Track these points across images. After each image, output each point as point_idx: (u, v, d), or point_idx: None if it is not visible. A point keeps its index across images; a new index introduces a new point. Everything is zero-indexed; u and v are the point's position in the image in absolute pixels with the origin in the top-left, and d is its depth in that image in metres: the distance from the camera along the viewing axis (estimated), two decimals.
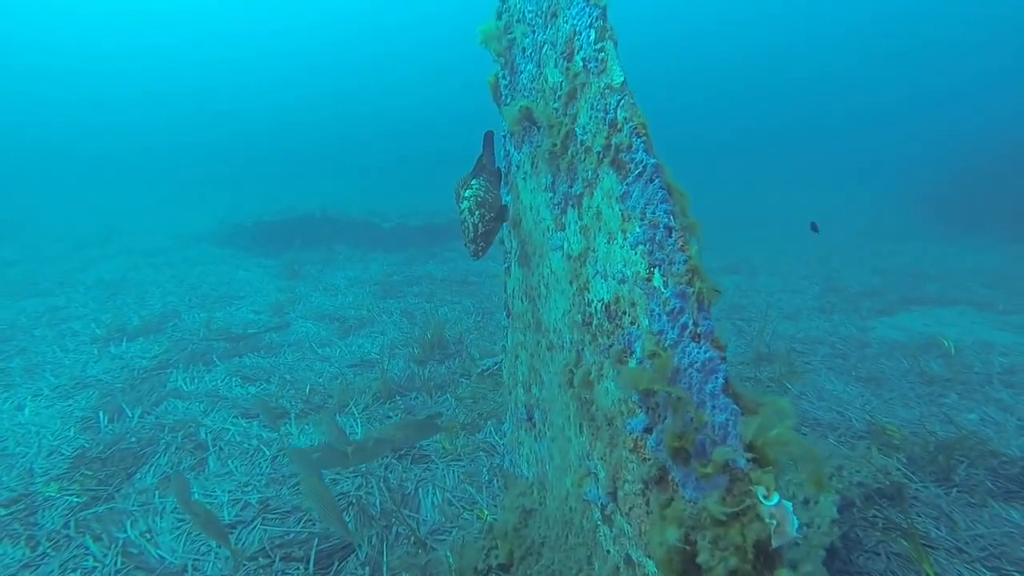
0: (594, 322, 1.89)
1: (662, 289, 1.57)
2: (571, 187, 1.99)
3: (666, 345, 1.53)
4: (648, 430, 1.62)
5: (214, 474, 4.08)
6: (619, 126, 1.73)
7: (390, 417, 5.12)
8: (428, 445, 4.65)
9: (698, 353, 1.45)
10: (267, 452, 4.33)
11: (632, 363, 1.68)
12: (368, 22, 62.09)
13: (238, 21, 60.75)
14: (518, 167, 2.59)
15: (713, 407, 1.41)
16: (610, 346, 1.79)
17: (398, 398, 5.46)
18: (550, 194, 2.17)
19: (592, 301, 1.90)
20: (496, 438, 4.72)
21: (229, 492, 3.85)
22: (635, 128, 1.68)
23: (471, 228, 2.33)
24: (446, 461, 4.42)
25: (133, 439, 4.53)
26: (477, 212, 2.34)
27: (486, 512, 3.57)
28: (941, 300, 8.60)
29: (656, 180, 1.62)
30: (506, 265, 2.85)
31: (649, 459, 1.60)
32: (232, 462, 4.23)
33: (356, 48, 63.62)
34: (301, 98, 63.15)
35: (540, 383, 2.36)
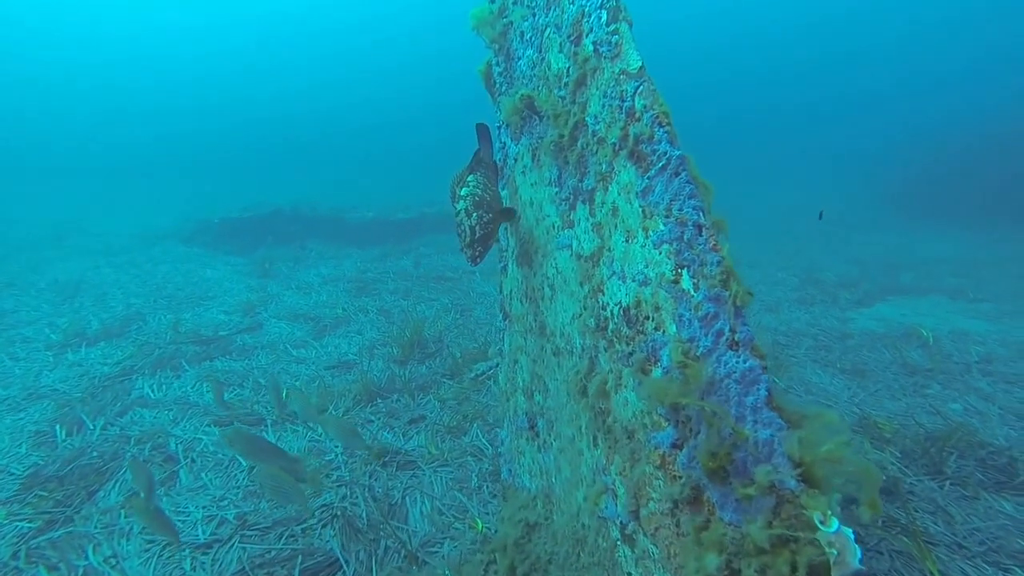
0: (610, 327, 1.75)
1: (692, 292, 1.44)
2: (581, 181, 1.84)
3: (698, 354, 1.40)
4: (677, 445, 1.49)
5: (187, 488, 3.83)
6: (638, 115, 1.59)
7: (372, 421, 4.92)
8: (413, 450, 4.48)
9: (737, 363, 1.32)
10: (243, 463, 4.09)
11: (657, 372, 1.55)
12: (340, 14, 60.50)
13: (203, 14, 58.43)
14: (516, 160, 2.43)
15: (755, 422, 1.29)
16: (630, 353, 1.65)
17: (379, 401, 5.26)
18: (555, 189, 2.02)
19: (608, 304, 1.75)
20: (484, 441, 4.58)
21: (203, 508, 3.61)
22: (656, 117, 1.54)
23: (467, 231, 2.12)
24: (433, 467, 4.26)
25: (95, 453, 4.23)
26: (475, 214, 2.13)
27: (479, 522, 3.42)
28: (915, 290, 8.78)
29: (682, 173, 1.48)
30: (502, 264, 2.70)
31: (680, 477, 1.47)
32: (206, 475, 3.98)
33: (327, 41, 61.96)
34: (270, 92, 61.36)
35: (544, 390, 2.22)
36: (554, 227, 2.07)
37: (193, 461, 4.13)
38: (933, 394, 4.95)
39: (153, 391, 5.27)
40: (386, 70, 62.93)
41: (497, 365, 3.45)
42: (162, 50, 58.12)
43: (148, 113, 56.26)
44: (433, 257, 11.43)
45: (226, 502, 3.66)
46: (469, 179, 2.26)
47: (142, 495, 2.95)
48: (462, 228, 2.15)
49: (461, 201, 2.19)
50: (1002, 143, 16.17)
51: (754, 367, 1.30)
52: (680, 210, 1.47)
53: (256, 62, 60.78)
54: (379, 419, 4.90)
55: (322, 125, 57.94)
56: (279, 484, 3.07)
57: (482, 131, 2.51)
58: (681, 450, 1.48)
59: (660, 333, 1.54)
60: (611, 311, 1.74)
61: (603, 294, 1.78)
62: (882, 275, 9.88)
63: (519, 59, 2.24)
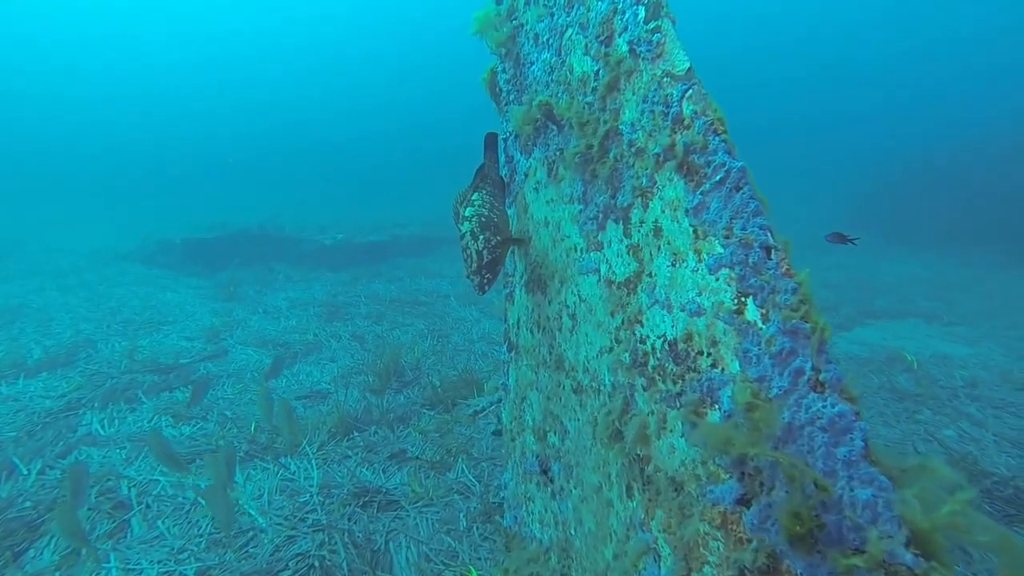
0: (651, 363, 1.54)
1: (760, 324, 1.24)
2: (614, 198, 1.65)
3: (771, 396, 1.20)
4: (743, 502, 1.27)
5: (139, 540, 3.41)
6: (687, 122, 1.40)
7: (348, 456, 4.57)
8: (395, 489, 4.15)
9: (823, 407, 1.12)
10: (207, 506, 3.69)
11: (714, 416, 1.34)
12: (311, 28, 59.63)
13: (166, 25, 56.56)
14: (526, 175, 2.23)
15: (850, 478, 1.08)
16: (679, 394, 1.44)
17: (356, 434, 4.92)
18: (579, 206, 1.82)
19: (648, 337, 1.54)
20: (470, 478, 4.29)
21: (159, 563, 3.20)
22: (710, 124, 1.36)
23: (474, 256, 1.92)
24: (417, 507, 3.94)
25: (27, 503, 3.73)
26: (481, 236, 1.93)
27: (473, 570, 3.13)
28: (892, 313, 8.90)
29: (744, 187, 1.30)
30: (508, 291, 2.47)
31: (748, 540, 1.25)
32: (163, 522, 3.56)
33: (295, 55, 60.85)
34: (238, 107, 59.45)
35: (561, 432, 1.98)
36: (576, 249, 1.87)
37: (148, 507, 3.70)
38: (925, 420, 4.90)
39: (103, 427, 4.78)
40: (358, 85, 61.98)
41: (499, 401, 3.19)
42: (123, 60, 55.79)
43: (108, 126, 53.95)
44: (406, 280, 11.12)
45: (186, 554, 3.26)
46: (473, 198, 2.06)
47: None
48: (468, 252, 1.93)
49: (466, 222, 1.98)
50: (964, 166, 16.81)
51: (845, 413, 1.10)
52: (743, 229, 1.28)
53: (224, 77, 59.10)
54: (357, 454, 4.56)
55: (289, 142, 56.73)
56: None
57: (490, 143, 2.31)
58: (749, 508, 1.26)
59: (719, 371, 1.33)
60: (652, 345, 1.53)
61: (641, 325, 1.57)
62: (859, 299, 10.02)
63: (532, 64, 2.06)
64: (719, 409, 1.33)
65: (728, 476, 1.30)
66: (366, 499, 3.93)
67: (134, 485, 3.90)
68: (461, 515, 3.84)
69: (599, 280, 1.74)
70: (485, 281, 1.90)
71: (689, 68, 1.42)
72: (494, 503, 3.97)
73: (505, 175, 2.46)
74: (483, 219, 1.99)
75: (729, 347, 1.30)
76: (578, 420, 1.90)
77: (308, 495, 3.93)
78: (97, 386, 5.58)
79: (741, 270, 1.28)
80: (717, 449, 1.27)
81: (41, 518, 3.56)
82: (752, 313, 1.26)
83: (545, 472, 2.16)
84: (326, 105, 61.34)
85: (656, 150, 1.48)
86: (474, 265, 1.91)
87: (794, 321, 1.17)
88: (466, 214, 2.00)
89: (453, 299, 9.64)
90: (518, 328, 2.37)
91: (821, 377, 1.14)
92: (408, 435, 4.96)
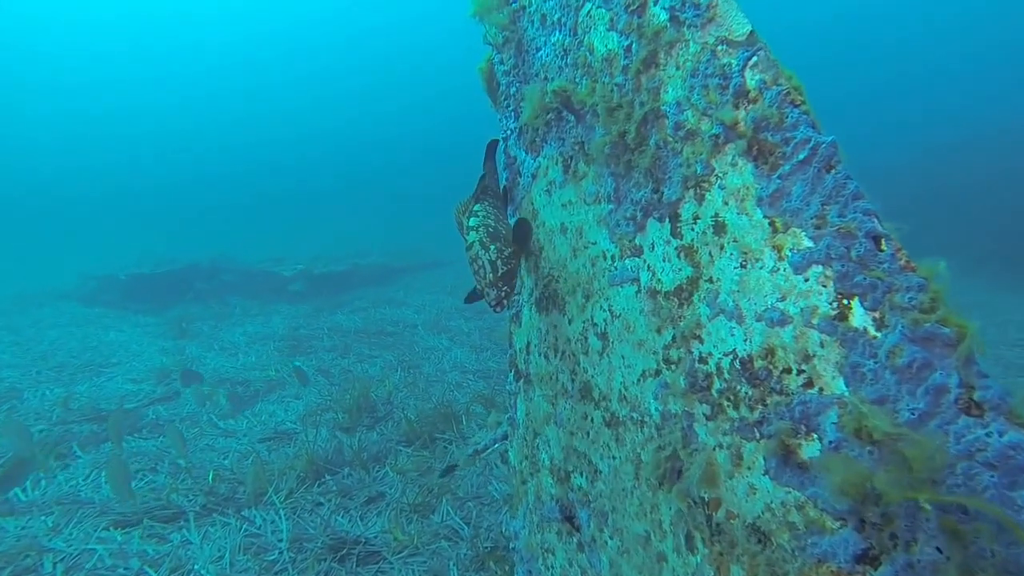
0: (716, 386, 1.28)
1: (873, 331, 1.00)
2: (656, 192, 1.40)
3: (901, 421, 0.95)
4: (867, 559, 1.00)
5: None
6: (752, 95, 1.18)
7: (321, 503, 4.13)
8: (376, 537, 3.74)
9: (986, 436, 0.88)
10: None
11: (812, 448, 1.08)
12: (254, 50, 57.17)
13: (100, 40, 52.28)
14: (534, 176, 1.97)
15: None
16: (758, 422, 1.18)
17: (328, 477, 4.49)
18: (609, 206, 1.56)
19: (711, 355, 1.28)
20: (457, 520, 3.91)
21: None
22: (785, 95, 1.13)
23: (487, 267, 1.70)
24: (401, 557, 3.55)
25: None
26: (492, 246, 1.73)
27: None
28: None
29: (838, 166, 1.07)
30: (513, 311, 2.19)
31: None
32: None
33: (243, 73, 57.99)
34: (183, 131, 55.81)
35: (591, 472, 1.69)
36: (605, 257, 1.60)
37: None
38: None
39: (26, 490, 4.14)
40: (310, 105, 59.77)
41: (504, 437, 2.86)
42: (56, 77, 51.45)
43: (40, 151, 49.73)
44: (371, 311, 10.67)
45: None
46: (475, 208, 1.87)
47: None
48: (480, 263, 1.69)
49: (472, 232, 1.76)
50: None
51: (1019, 442, 0.85)
52: (840, 217, 1.05)
53: (160, 99, 54.75)
54: (330, 500, 4.13)
55: (235, 171, 54.28)
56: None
57: (490, 150, 2.09)
58: (875, 566, 0.99)
59: (815, 392, 1.08)
60: (717, 364, 1.27)
61: (700, 342, 1.31)
62: None
63: (538, 49, 1.82)
64: (820, 438, 1.07)
65: (839, 525, 1.04)
66: (343, 552, 3.52)
67: (61, 560, 3.33)
68: (451, 564, 3.48)
69: (639, 291, 1.48)
70: (503, 294, 1.65)
71: (750, 32, 1.20)
72: (486, 548, 3.61)
73: (506, 180, 2.21)
74: (490, 229, 1.77)
75: (829, 361, 1.06)
76: (614, 458, 1.61)
77: (277, 552, 3.48)
78: None
79: (841, 266, 1.04)
80: (851, 493, 1.00)
81: None
82: (860, 318, 1.02)
83: (569, 519, 1.85)
84: (271, 131, 58.80)
85: (714, 131, 1.25)
86: (489, 277, 1.67)
87: (927, 326, 0.93)
88: (471, 224, 1.77)
89: (421, 328, 9.29)
90: (527, 353, 2.08)
91: (976, 396, 0.89)
92: (385, 476, 4.57)
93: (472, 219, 1.79)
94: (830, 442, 1.05)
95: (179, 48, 53.27)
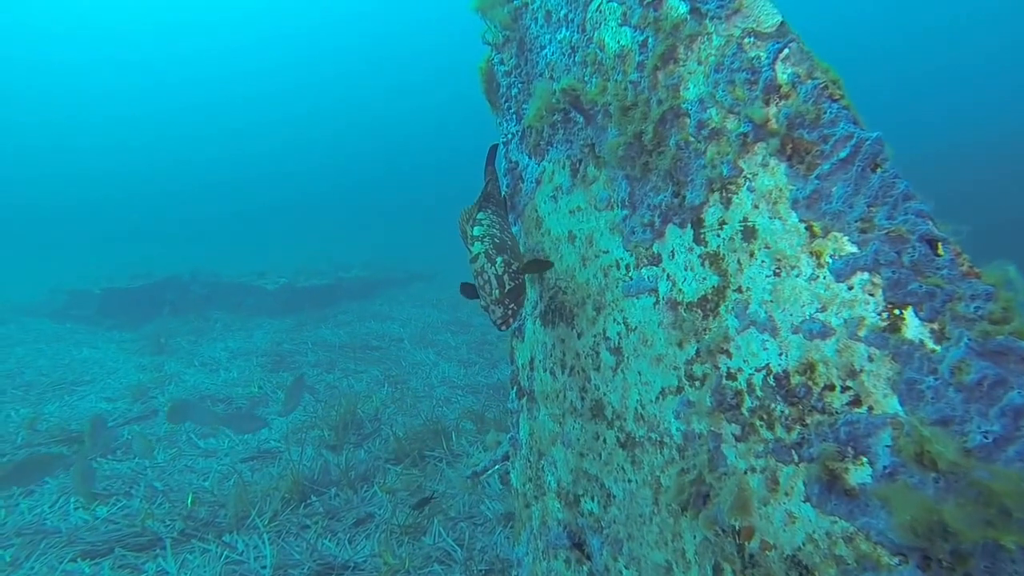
0: (747, 404, 1.18)
1: (931, 344, 0.91)
2: (677, 196, 1.31)
3: (971, 445, 0.86)
4: None
5: None
6: (785, 90, 1.10)
7: (307, 526, 3.94)
8: (365, 562, 3.57)
9: None
10: None
11: (862, 473, 0.98)
12: (227, 58, 56.08)
13: (70, 51, 51.04)
14: (538, 182, 1.87)
15: None
16: (797, 444, 1.08)
17: (314, 498, 4.30)
18: (623, 212, 1.47)
19: (740, 371, 1.19)
20: (450, 542, 3.76)
21: None
22: (822, 89, 1.05)
23: (493, 281, 1.57)
24: None
25: None
26: (499, 258, 1.60)
27: None
28: None
29: (884, 164, 0.98)
30: (515, 325, 2.07)
31: None
32: None
33: (227, 86, 56.91)
34: (160, 143, 54.17)
35: (603, 496, 1.58)
36: (619, 266, 1.51)
37: None
38: None
39: None
40: (291, 117, 58.56)
41: (504, 458, 2.73)
42: (24, 87, 49.95)
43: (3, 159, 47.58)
44: (355, 325, 10.48)
45: None
46: (479, 217, 1.75)
47: None
48: (486, 277, 1.57)
49: (477, 243, 1.65)
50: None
51: None
52: (889, 219, 0.96)
53: (145, 110, 53.31)
54: (316, 523, 3.95)
55: (224, 178, 53.12)
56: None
57: (491, 155, 1.98)
58: None
59: (864, 411, 0.99)
60: (748, 381, 1.18)
61: (729, 356, 1.21)
62: None
63: (543, 48, 1.73)
64: (871, 463, 0.97)
65: (898, 561, 0.94)
66: None
67: None
68: None
69: (657, 302, 1.38)
70: (510, 313, 1.53)
71: (780, 23, 1.13)
72: (481, 572, 3.47)
73: (506, 186, 2.10)
74: (496, 240, 1.67)
75: (880, 377, 0.96)
76: (629, 482, 1.50)
77: None
78: None
79: (892, 273, 0.95)
80: (915, 527, 0.90)
81: None
82: (915, 330, 0.93)
83: (579, 546, 1.73)
84: (252, 144, 57.73)
85: (741, 129, 1.16)
86: (495, 293, 1.55)
87: (1000, 339, 0.85)
88: (475, 233, 1.67)
89: (407, 342, 9.13)
90: (531, 370, 1.97)
91: None
92: (374, 496, 4.40)
93: (476, 228, 1.69)
94: (884, 467, 0.96)
95: (155, 59, 52.38)
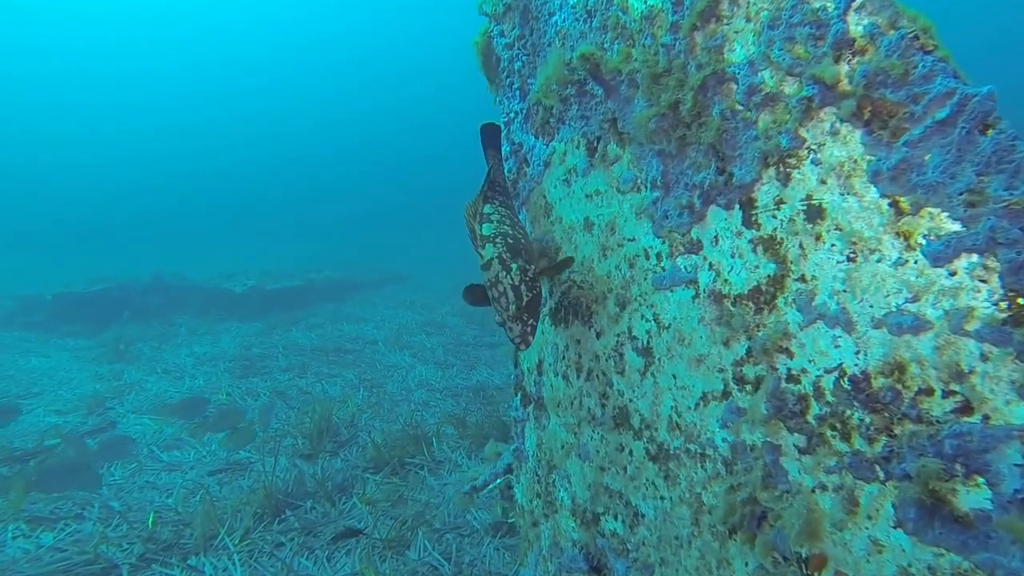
0: (813, 411, 1.01)
1: None
2: (722, 173, 1.14)
3: None
4: None
5: None
6: (860, 44, 0.93)
7: (282, 544, 3.68)
8: None
9: None
10: None
11: (977, 497, 0.82)
12: (210, 54, 54.34)
13: (38, 59, 49.25)
14: (547, 165, 1.67)
15: None
16: (884, 458, 0.92)
17: (288, 513, 4.04)
18: (653, 194, 1.29)
19: (805, 372, 1.02)
20: (436, 556, 3.55)
21: None
22: (911, 39, 0.89)
23: (510, 294, 1.34)
24: None
25: None
26: (514, 264, 1.37)
27: None
28: None
29: (998, 124, 0.83)
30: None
31: None
32: None
33: (191, 80, 54.77)
34: (117, 136, 51.85)
35: (630, 515, 1.40)
36: (648, 255, 1.33)
37: None
38: None
39: None
40: (257, 113, 56.89)
41: (508, 471, 2.52)
42: None
43: None
44: (328, 327, 10.18)
45: None
46: (488, 212, 1.51)
47: None
48: (501, 288, 1.35)
49: (489, 245, 1.42)
50: None
51: None
52: (1008, 191, 0.80)
53: (103, 99, 50.96)
54: (292, 540, 3.69)
55: (186, 178, 51.14)
56: None
57: (491, 137, 1.74)
58: None
59: (978, 420, 0.83)
60: (814, 384, 1.01)
61: (789, 356, 1.05)
62: None
63: (552, 15, 1.54)
64: (991, 484, 0.81)
65: None
66: None
67: None
68: None
69: (697, 295, 1.21)
70: (529, 330, 1.31)
71: None
72: None
73: (509, 170, 1.90)
74: (509, 240, 1.43)
75: (1000, 380, 0.81)
76: (661, 499, 1.32)
77: None
78: None
79: (1010, 254, 0.79)
80: None
81: None
82: None
83: (597, 570, 1.55)
84: (217, 139, 55.82)
85: (804, 93, 0.99)
86: (512, 307, 1.32)
87: None
88: (485, 232, 1.44)
89: (381, 344, 8.89)
90: (539, 374, 1.77)
91: None
92: (353, 508, 4.16)
93: (486, 226, 1.45)
94: (1015, 491, 0.79)
95: (113, 47, 50.34)
